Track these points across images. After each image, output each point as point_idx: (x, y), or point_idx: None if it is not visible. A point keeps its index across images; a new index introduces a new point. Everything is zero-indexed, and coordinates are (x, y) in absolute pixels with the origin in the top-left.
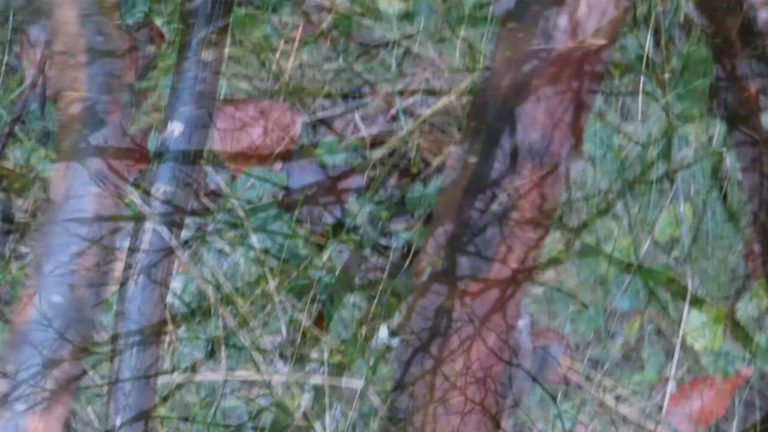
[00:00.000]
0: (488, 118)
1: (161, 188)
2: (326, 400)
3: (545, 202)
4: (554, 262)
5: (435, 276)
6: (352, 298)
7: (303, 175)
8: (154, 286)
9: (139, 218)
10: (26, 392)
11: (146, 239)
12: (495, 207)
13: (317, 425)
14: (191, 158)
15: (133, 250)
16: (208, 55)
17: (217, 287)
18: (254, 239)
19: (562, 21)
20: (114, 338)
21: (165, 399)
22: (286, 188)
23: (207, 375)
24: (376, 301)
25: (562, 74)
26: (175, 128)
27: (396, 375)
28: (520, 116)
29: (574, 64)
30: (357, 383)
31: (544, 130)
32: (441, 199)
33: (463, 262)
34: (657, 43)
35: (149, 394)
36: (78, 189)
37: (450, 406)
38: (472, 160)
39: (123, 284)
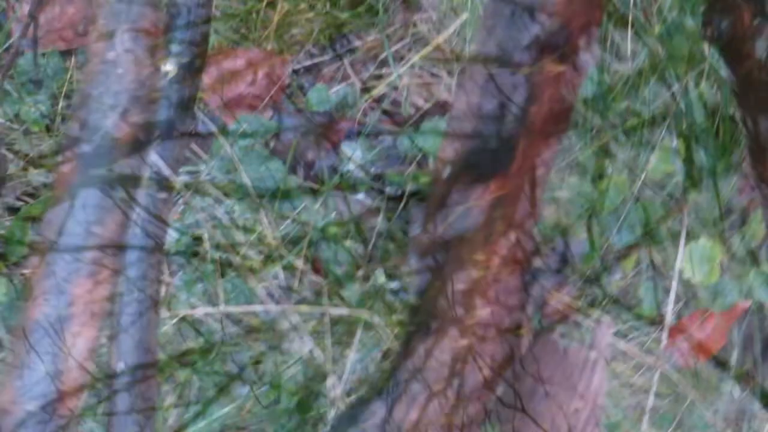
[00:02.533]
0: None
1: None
2: (328, 335)
3: (563, 100)
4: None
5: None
6: (348, 243)
7: (294, 123)
8: (146, 319)
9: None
10: (70, 257)
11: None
12: (512, 110)
13: (323, 361)
14: (185, 100)
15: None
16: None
17: (210, 237)
18: (248, 185)
19: None
20: (109, 376)
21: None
22: (277, 136)
23: (205, 310)
24: (372, 244)
25: None
26: (169, 69)
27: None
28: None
29: None
30: (362, 312)
31: (562, 19)
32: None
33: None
34: None
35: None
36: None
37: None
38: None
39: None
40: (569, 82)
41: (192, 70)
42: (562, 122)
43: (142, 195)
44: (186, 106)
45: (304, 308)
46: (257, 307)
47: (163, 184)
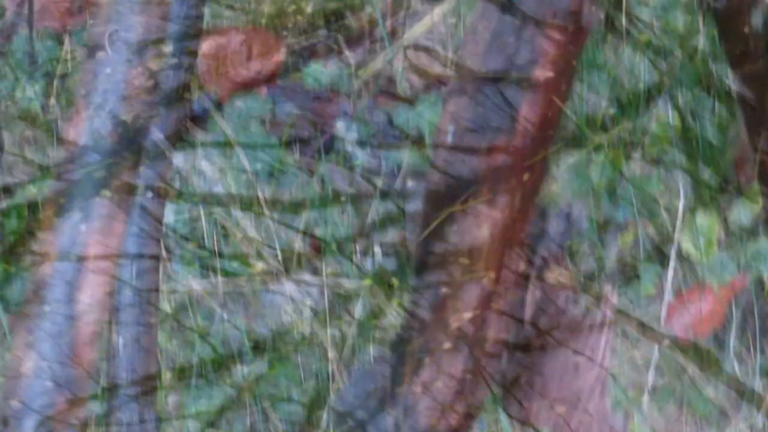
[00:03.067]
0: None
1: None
2: (327, 306)
3: (569, 61)
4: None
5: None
6: (344, 219)
7: (289, 100)
8: (144, 334)
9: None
10: (82, 203)
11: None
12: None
13: (322, 336)
14: (175, 99)
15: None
16: None
17: (210, 213)
18: (245, 163)
19: None
20: (107, 391)
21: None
22: (273, 114)
23: (204, 287)
24: (368, 221)
25: None
26: (160, 69)
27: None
28: None
29: None
30: (361, 284)
31: None
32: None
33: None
34: None
35: None
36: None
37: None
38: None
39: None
40: (574, 46)
41: (183, 69)
42: (554, 127)
43: (138, 202)
44: (176, 104)
45: (303, 282)
46: (256, 282)
47: (159, 190)
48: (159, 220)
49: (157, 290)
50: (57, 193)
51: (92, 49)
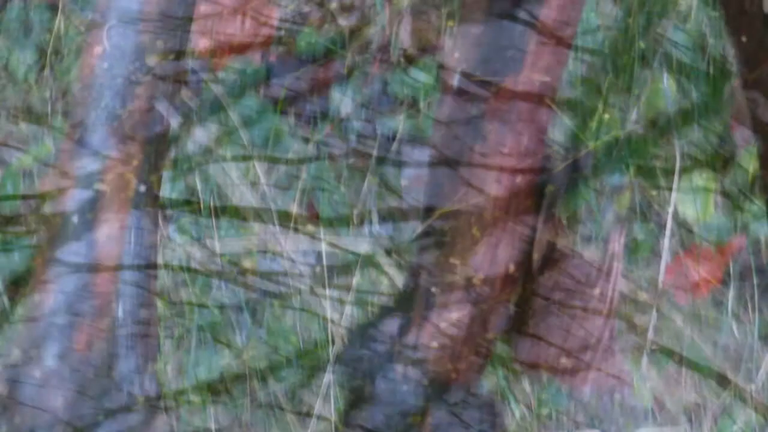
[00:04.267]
0: None
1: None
2: (325, 274)
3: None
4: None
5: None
6: (341, 186)
7: (283, 67)
8: (144, 304)
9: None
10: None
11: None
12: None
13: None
14: (170, 94)
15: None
16: None
17: (206, 180)
18: (240, 130)
19: None
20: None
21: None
22: (267, 81)
23: (202, 254)
24: (365, 187)
25: None
26: (155, 65)
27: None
28: None
29: None
30: (362, 246)
31: None
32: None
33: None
34: None
35: None
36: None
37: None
38: None
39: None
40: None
41: (177, 67)
42: (569, 28)
43: (135, 213)
44: (171, 99)
45: (301, 245)
46: (253, 242)
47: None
48: (157, 207)
49: (155, 263)
50: (54, 186)
51: (90, 45)
